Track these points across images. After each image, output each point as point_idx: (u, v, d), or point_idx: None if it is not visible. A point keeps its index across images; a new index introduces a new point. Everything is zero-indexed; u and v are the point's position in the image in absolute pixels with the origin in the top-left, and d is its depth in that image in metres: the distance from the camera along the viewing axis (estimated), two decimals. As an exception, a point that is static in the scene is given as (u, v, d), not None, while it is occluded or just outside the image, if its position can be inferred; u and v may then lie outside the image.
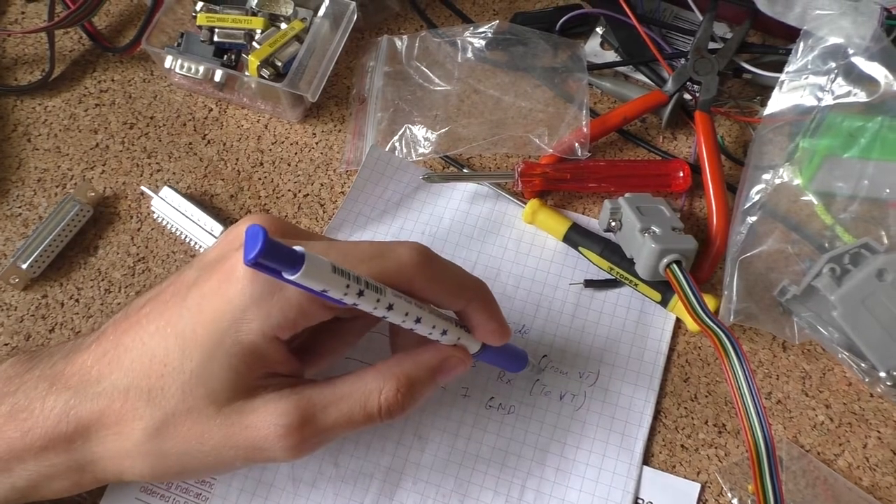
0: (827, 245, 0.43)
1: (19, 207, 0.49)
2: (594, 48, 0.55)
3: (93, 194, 0.49)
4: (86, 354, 0.34)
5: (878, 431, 0.42)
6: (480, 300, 0.36)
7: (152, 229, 0.49)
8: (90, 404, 0.32)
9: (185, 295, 0.32)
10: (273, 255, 0.25)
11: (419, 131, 0.51)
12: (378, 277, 0.31)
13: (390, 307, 0.31)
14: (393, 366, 0.35)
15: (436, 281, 0.34)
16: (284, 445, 0.32)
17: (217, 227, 0.47)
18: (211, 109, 0.53)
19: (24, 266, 0.45)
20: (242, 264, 0.31)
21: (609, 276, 0.46)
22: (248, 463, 0.34)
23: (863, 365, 0.41)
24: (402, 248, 0.34)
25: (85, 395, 0.32)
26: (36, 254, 0.46)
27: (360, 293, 0.29)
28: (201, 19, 0.50)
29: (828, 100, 0.44)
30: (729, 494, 0.40)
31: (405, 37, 0.54)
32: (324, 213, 0.49)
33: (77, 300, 0.46)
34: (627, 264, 0.44)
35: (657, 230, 0.42)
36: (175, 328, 0.32)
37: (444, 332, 0.35)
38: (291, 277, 0.26)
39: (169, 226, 0.48)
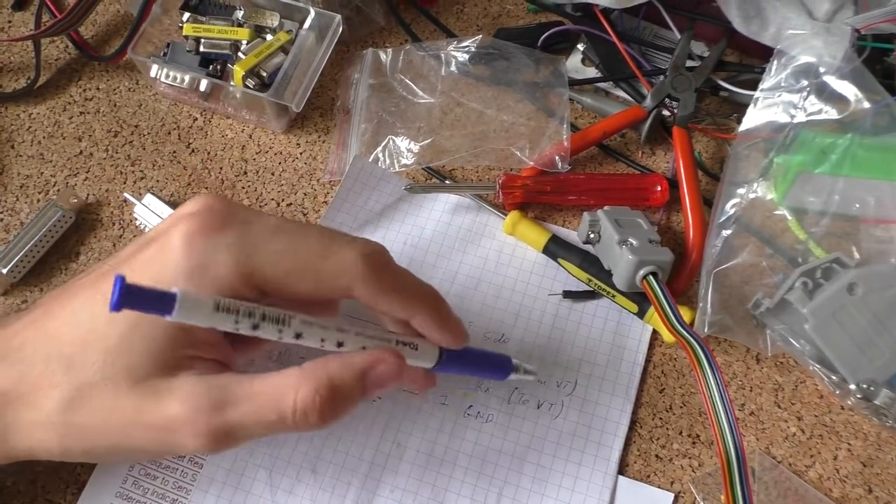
0: (799, 259, 0.44)
1: (1, 213, 0.49)
2: (575, 64, 0.56)
3: (75, 200, 0.49)
4: (17, 323, 0.33)
5: (849, 444, 0.43)
6: (427, 311, 0.34)
7: (134, 236, 0.49)
8: (9, 370, 0.31)
9: (120, 266, 0.32)
10: (136, 302, 0.24)
11: (402, 143, 0.51)
12: (312, 286, 0.30)
13: (299, 336, 0.30)
14: (318, 366, 0.31)
15: (380, 294, 0.32)
16: (191, 431, 0.30)
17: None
18: (196, 119, 0.54)
19: (5, 271, 0.45)
20: (180, 235, 0.30)
21: (587, 288, 0.47)
22: (158, 447, 0.32)
23: (834, 377, 0.42)
24: (348, 253, 0.32)
25: (5, 361, 0.31)
26: (16, 259, 0.46)
27: (256, 326, 0.28)
28: (188, 29, 0.50)
29: (801, 117, 0.45)
30: (702, 504, 0.41)
31: (390, 50, 0.54)
32: (307, 222, 0.50)
33: (57, 306, 0.46)
34: (605, 276, 0.45)
35: (635, 242, 0.43)
36: (105, 295, 0.30)
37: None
38: (169, 319, 0.25)
39: (151, 233, 0.48)
